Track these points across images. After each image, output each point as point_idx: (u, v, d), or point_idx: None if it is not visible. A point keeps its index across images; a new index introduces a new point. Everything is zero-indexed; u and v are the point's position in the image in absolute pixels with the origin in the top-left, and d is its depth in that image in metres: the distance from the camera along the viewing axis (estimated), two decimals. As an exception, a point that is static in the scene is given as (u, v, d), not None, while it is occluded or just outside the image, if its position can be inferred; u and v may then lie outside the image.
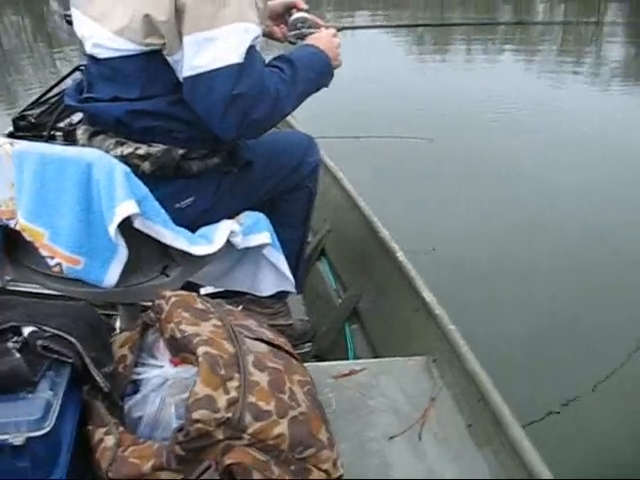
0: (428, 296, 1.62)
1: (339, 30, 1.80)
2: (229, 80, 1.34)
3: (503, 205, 3.71)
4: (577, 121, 5.23)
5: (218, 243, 1.45)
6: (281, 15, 1.83)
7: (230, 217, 1.58)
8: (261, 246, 1.58)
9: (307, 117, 2.66)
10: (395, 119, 4.93)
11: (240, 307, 1.77)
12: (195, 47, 1.35)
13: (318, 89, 1.62)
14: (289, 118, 2.98)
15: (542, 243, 3.28)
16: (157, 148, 1.47)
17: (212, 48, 1.34)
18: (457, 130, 4.87)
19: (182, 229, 1.43)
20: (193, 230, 1.50)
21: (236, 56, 1.35)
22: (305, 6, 1.81)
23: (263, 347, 1.25)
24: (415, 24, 9.14)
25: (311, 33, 1.73)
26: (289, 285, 1.68)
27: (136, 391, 1.19)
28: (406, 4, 14.24)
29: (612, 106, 5.88)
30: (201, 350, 1.11)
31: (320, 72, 1.60)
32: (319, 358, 1.79)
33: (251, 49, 1.38)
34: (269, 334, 1.33)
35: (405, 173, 4.03)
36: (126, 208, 1.26)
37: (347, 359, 1.80)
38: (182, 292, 1.29)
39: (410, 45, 8.83)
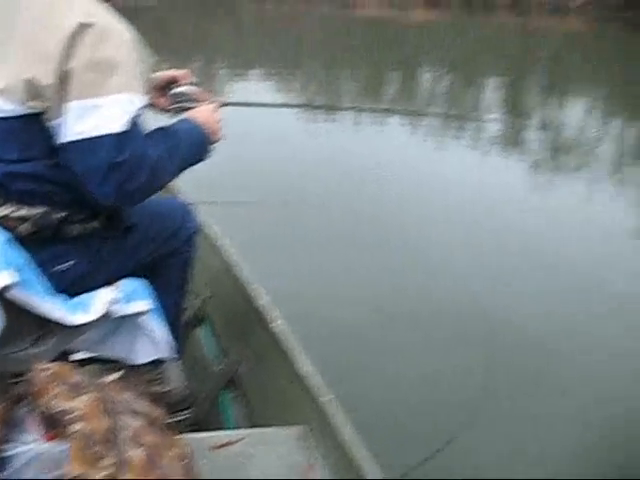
0: (305, 366, 1.65)
1: (223, 105, 1.86)
2: (110, 148, 1.36)
3: (385, 272, 3.86)
4: (459, 187, 5.59)
5: (97, 312, 1.44)
6: (165, 87, 1.88)
7: (110, 281, 1.57)
8: (140, 313, 1.57)
9: (189, 182, 2.69)
10: (278, 184, 5.07)
11: (118, 374, 1.72)
12: (79, 113, 1.36)
13: (195, 163, 1.67)
14: (170, 183, 2.99)
15: (421, 311, 3.44)
16: (36, 210, 1.46)
17: (96, 115, 1.36)
18: (340, 196, 5.06)
19: (60, 297, 1.40)
20: (72, 294, 1.48)
21: (119, 125, 1.37)
22: (189, 79, 1.86)
23: (139, 421, 1.24)
24: (302, 104, 9.40)
25: (192, 107, 1.77)
26: (167, 352, 1.68)
27: (5, 468, 1.14)
28: (299, 65, 14.76)
29: (493, 175, 6.33)
30: (75, 426, 1.09)
31: (197, 146, 1.65)
32: (197, 426, 1.77)
33: (135, 119, 1.41)
34: (146, 407, 1.31)
35: (286, 239, 4.13)
36: (3, 278, 1.22)
37: (225, 427, 1.80)
38: (57, 364, 1.26)
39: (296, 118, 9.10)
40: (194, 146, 1.64)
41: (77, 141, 1.37)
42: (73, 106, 1.37)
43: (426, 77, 14.21)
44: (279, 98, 10.24)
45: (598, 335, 3.33)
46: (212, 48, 17.63)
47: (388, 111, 10.14)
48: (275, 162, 6.14)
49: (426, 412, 2.64)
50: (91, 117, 1.36)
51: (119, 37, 1.42)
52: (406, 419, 2.56)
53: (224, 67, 13.79)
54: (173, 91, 1.83)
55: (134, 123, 1.41)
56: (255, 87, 10.95)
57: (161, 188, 1.57)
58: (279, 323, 1.81)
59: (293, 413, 1.62)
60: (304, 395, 1.59)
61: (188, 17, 33.07)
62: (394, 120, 8.97)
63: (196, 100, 1.81)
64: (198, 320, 2.23)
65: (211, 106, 1.77)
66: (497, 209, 5.18)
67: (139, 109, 1.42)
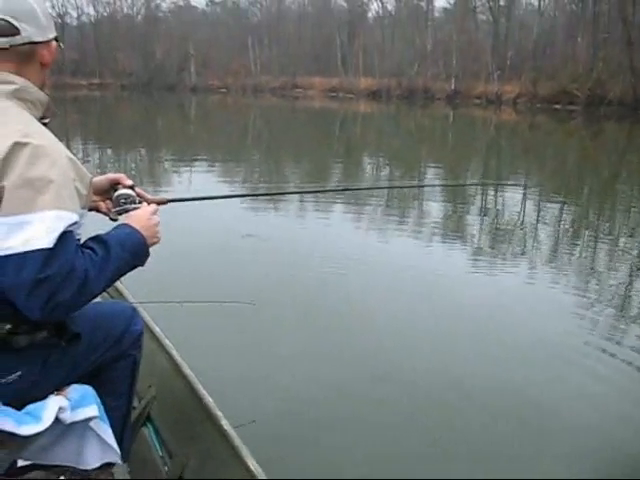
0: (252, 464, 1.69)
1: (166, 202, 1.92)
2: (37, 263, 1.37)
3: (328, 363, 3.92)
4: (401, 271, 5.82)
5: (47, 421, 1.48)
6: (106, 191, 1.88)
7: (57, 389, 1.61)
8: (88, 419, 1.61)
9: (132, 283, 2.74)
10: (219, 283, 5.15)
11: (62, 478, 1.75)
12: (8, 228, 1.39)
13: (132, 268, 1.66)
14: (115, 284, 3.04)
15: (372, 401, 3.48)
16: None
17: (25, 231, 1.39)
18: (280, 292, 5.14)
19: (9, 410, 1.44)
20: (20, 404, 1.50)
21: (47, 241, 1.39)
22: (129, 182, 1.87)
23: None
24: (246, 194, 9.51)
25: (135, 209, 1.80)
26: (114, 456, 1.71)
27: None
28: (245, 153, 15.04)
29: (433, 258, 6.61)
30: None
31: (134, 252, 1.63)
32: None
33: (64, 235, 1.42)
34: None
35: (229, 337, 4.16)
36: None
37: None
38: None
39: (241, 207, 9.27)
40: (131, 253, 1.62)
41: (6, 256, 1.38)
42: (3, 222, 1.39)
43: (368, 161, 14.77)
44: (224, 188, 10.45)
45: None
46: (158, 139, 17.93)
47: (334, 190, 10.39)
48: (222, 256, 6.26)
49: None
50: (21, 232, 1.38)
51: (53, 156, 1.45)
52: None
53: (170, 159, 14.03)
54: (117, 193, 1.83)
55: (64, 239, 1.42)
56: (201, 178, 11.16)
57: (93, 298, 1.57)
58: (225, 422, 1.85)
59: None
60: None
61: (134, 107, 33.69)
62: (337, 203, 9.27)
63: (137, 201, 1.83)
64: (143, 421, 2.24)
65: (149, 209, 1.78)
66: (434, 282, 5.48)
67: (70, 225, 1.43)
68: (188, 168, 12.58)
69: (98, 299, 1.63)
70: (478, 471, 2.88)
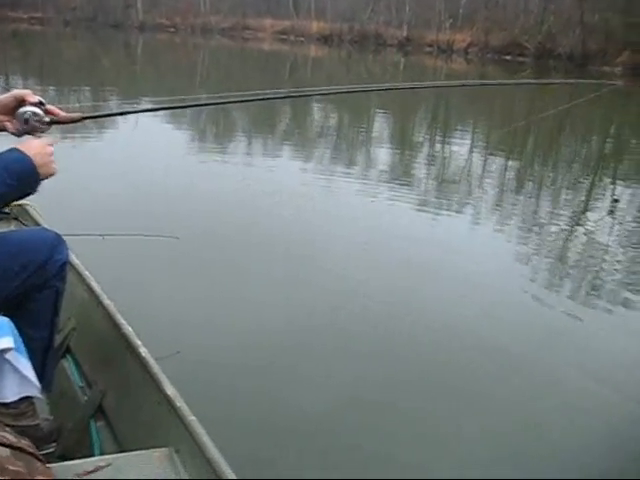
0: (170, 389, 1.71)
1: (81, 120, 1.85)
2: None
3: (252, 297, 4.01)
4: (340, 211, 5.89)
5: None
6: (13, 109, 1.78)
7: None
8: (4, 351, 1.59)
9: (53, 213, 2.68)
10: (143, 216, 5.11)
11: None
12: None
13: (21, 196, 1.65)
14: (34, 214, 2.97)
15: (287, 335, 3.59)
16: None
17: None
18: (204, 228, 5.15)
19: None
20: None
21: None
22: (35, 99, 1.78)
23: (4, 451, 1.28)
24: (168, 107, 9.24)
25: (42, 127, 1.74)
26: (34, 389, 1.70)
27: None
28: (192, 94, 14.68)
29: (378, 205, 6.64)
30: None
31: (22, 179, 1.59)
32: (65, 458, 1.79)
33: None
34: (11, 437, 1.35)
35: (152, 270, 4.16)
36: None
37: (94, 455, 1.83)
38: None
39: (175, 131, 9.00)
40: (18, 180, 1.58)
41: None
42: None
43: (318, 109, 14.63)
44: (168, 129, 10.22)
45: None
46: (104, 79, 17.35)
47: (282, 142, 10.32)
48: (147, 189, 6.16)
49: (288, 430, 2.77)
50: None
51: None
52: (269, 438, 2.68)
53: (115, 101, 13.59)
54: (21, 110, 1.75)
55: None
56: (145, 119, 10.88)
57: None
58: (143, 350, 1.86)
59: (160, 436, 1.68)
60: (169, 417, 1.66)
61: (78, 44, 32.38)
62: (286, 151, 9.19)
63: (46, 119, 1.76)
64: (63, 352, 2.24)
65: (45, 140, 1.72)
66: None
67: None
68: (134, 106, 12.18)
69: (21, 225, 1.60)
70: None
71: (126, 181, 6.34)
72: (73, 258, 2.36)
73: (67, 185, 4.42)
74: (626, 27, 28.63)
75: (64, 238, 1.92)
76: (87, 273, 2.34)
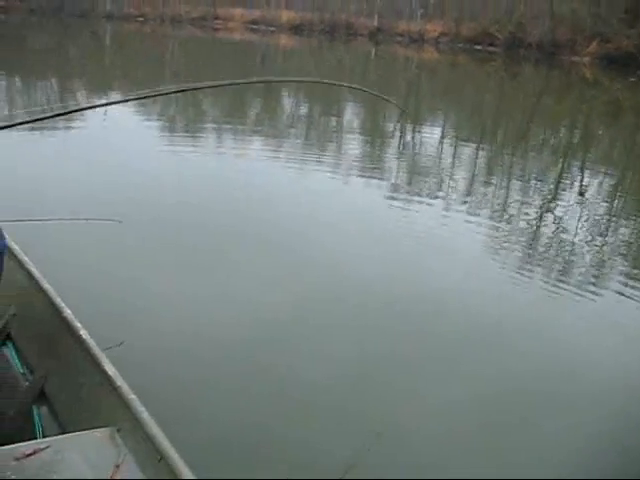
0: (110, 369, 1.71)
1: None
2: None
3: (185, 283, 3.99)
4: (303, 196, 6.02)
5: None
6: None
7: None
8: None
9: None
10: (87, 201, 5.05)
11: None
12: None
13: None
14: None
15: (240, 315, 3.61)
16: None
17: None
18: (148, 212, 5.12)
19: None
20: None
21: None
22: None
23: None
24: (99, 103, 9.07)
25: None
26: None
27: None
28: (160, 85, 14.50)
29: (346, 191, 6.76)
30: None
31: None
32: (6, 444, 1.76)
33: None
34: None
35: (95, 255, 4.12)
36: None
37: (37, 439, 1.80)
38: None
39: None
40: None
41: None
42: None
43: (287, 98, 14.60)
44: (139, 119, 10.11)
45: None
46: (71, 70, 17.08)
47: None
48: (90, 173, 6.09)
49: (230, 409, 2.78)
50: None
51: None
52: (212, 415, 2.68)
53: (82, 92, 13.39)
54: None
55: None
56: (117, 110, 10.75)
57: None
58: (84, 332, 1.85)
59: (101, 416, 1.67)
60: (110, 397, 1.65)
61: (43, 34, 31.83)
62: (255, 141, 9.16)
63: None
64: (3, 339, 2.21)
65: None
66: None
67: None
68: (104, 101, 12.01)
69: None
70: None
71: (74, 168, 6.24)
72: (12, 244, 2.33)
73: (9, 173, 4.39)
74: (594, 18, 28.96)
75: (3, 225, 1.88)
76: (27, 259, 2.31)
